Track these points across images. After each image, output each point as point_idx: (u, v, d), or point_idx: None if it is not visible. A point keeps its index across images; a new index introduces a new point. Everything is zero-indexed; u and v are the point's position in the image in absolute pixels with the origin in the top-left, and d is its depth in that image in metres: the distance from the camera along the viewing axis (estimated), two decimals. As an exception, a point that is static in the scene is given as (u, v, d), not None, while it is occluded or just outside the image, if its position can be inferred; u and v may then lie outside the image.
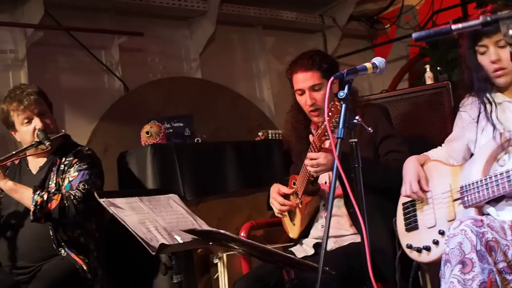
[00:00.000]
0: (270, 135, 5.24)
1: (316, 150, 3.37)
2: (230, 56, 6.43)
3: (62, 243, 3.74)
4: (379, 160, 3.56)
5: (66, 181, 3.80)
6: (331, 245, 3.54)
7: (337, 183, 3.01)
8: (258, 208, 4.72)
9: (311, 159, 3.37)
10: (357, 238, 3.47)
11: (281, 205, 3.72)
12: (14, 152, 3.72)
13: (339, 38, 7.00)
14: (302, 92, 3.66)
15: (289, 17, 6.64)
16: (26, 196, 3.67)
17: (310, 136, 3.59)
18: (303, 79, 3.63)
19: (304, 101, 3.66)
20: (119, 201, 3.48)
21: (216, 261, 4.41)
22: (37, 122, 3.83)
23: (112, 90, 5.47)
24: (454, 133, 3.32)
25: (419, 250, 3.09)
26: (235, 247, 3.06)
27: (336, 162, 2.62)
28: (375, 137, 3.58)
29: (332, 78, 2.75)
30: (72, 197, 3.67)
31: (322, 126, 3.26)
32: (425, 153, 3.36)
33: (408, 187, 3.16)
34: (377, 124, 3.54)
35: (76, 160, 3.86)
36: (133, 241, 3.23)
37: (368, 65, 2.84)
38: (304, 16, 6.79)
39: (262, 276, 3.38)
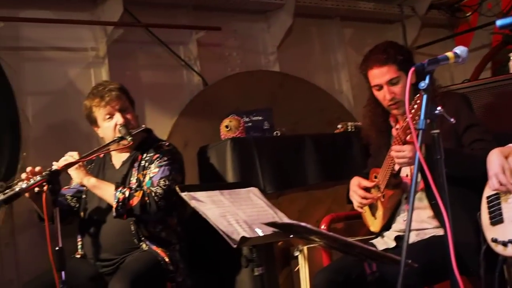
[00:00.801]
0: (349, 127, 5.20)
1: (400, 143, 3.31)
2: (308, 49, 6.39)
3: (143, 238, 3.79)
4: (464, 150, 3.48)
5: (147, 178, 3.85)
6: (413, 238, 3.49)
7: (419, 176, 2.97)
8: (338, 200, 4.69)
9: (397, 151, 3.31)
10: (439, 231, 3.42)
11: (362, 198, 3.69)
12: (96, 148, 3.77)
13: (418, 27, 6.85)
14: (380, 87, 3.60)
15: (367, 7, 6.55)
16: (108, 193, 3.74)
17: (393, 129, 3.55)
18: (379, 74, 3.57)
19: (383, 96, 3.60)
20: (200, 194, 3.51)
21: (296, 253, 4.40)
22: (118, 118, 3.89)
23: (191, 85, 5.52)
24: None
25: (504, 244, 3.01)
26: (316, 239, 3.05)
27: (418, 154, 2.58)
28: (458, 127, 3.48)
29: (413, 69, 2.70)
30: (153, 194, 3.71)
31: (407, 120, 3.20)
32: (509, 144, 3.26)
33: (496, 180, 3.08)
34: (459, 114, 3.46)
35: (156, 155, 3.90)
36: (214, 234, 3.26)
37: (449, 54, 2.77)
38: (382, 6, 6.69)
39: (343, 268, 3.37)
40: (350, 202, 3.83)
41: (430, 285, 3.59)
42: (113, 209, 3.67)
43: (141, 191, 3.72)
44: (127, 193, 3.68)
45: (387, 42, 3.71)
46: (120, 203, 3.66)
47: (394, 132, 3.63)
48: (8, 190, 3.50)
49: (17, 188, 3.48)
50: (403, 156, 3.28)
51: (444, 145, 2.68)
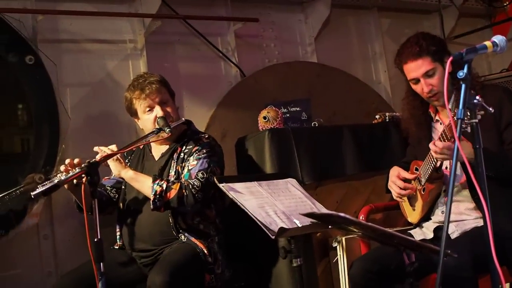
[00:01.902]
0: (387, 117, 5.15)
1: (446, 139, 3.25)
2: (345, 39, 6.36)
3: (181, 230, 3.80)
4: (503, 148, 3.42)
5: (186, 170, 3.85)
6: (452, 228, 3.48)
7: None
8: (377, 191, 4.67)
9: (440, 148, 3.25)
10: (480, 222, 3.38)
11: (402, 189, 3.67)
12: (135, 140, 3.79)
13: (456, 17, 6.76)
14: (417, 80, 3.58)
15: (404, -3, 6.52)
16: (146, 185, 3.75)
17: (440, 125, 3.53)
18: (414, 68, 3.55)
19: (421, 89, 3.58)
20: (238, 185, 3.51)
21: (335, 244, 4.38)
22: (158, 111, 3.90)
23: (229, 77, 5.52)
24: None
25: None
26: (355, 230, 3.03)
27: (457, 143, 2.56)
28: (499, 122, 3.43)
29: (451, 59, 2.67)
30: (190, 187, 3.71)
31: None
32: None
33: None
34: (501, 108, 3.41)
35: (196, 148, 3.90)
36: (252, 225, 3.26)
37: (488, 43, 2.73)
38: (420, -4, 6.65)
39: (380, 258, 3.37)
40: (389, 192, 3.82)
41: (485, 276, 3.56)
42: (151, 202, 3.69)
43: (179, 184, 3.72)
44: (164, 186, 3.69)
45: (418, 33, 3.66)
46: (158, 196, 3.67)
47: (437, 126, 3.61)
48: (47, 182, 3.52)
49: (56, 180, 3.49)
50: (442, 152, 3.24)
51: (484, 141, 2.64)
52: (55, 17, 4.74)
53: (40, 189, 3.52)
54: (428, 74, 3.51)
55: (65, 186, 3.57)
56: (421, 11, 6.83)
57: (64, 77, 4.70)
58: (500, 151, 3.39)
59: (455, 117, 2.60)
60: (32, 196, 3.55)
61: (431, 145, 3.31)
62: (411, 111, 3.78)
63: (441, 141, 3.27)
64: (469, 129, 2.61)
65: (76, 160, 3.60)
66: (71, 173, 3.46)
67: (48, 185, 3.49)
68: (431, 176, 3.51)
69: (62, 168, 3.61)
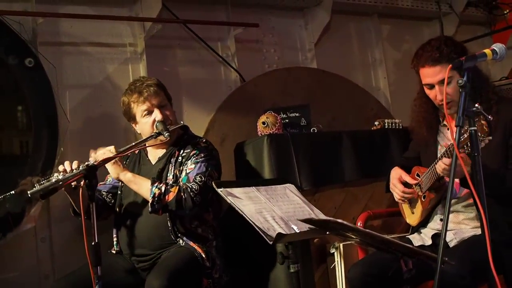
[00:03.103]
0: (386, 124, 5.15)
1: (451, 156, 3.18)
2: (345, 46, 6.36)
3: (179, 234, 3.80)
4: (506, 165, 3.39)
5: (183, 173, 3.85)
6: (451, 236, 3.48)
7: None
8: (375, 198, 4.67)
9: (448, 165, 3.19)
10: (478, 231, 3.38)
11: (403, 193, 3.66)
12: (133, 144, 3.78)
13: (456, 25, 6.76)
14: (431, 86, 3.52)
15: (405, 4, 6.49)
16: (144, 188, 3.75)
17: (447, 130, 3.52)
18: (431, 74, 3.48)
19: (434, 95, 3.53)
20: (236, 190, 3.51)
21: (332, 251, 4.38)
22: (157, 114, 3.90)
23: (229, 81, 5.52)
24: None
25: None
26: (352, 236, 3.04)
27: (455, 151, 2.56)
28: (509, 137, 3.39)
29: (450, 66, 2.69)
30: (189, 190, 3.70)
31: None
32: None
33: None
34: None
35: (193, 152, 3.90)
36: (250, 231, 3.25)
37: (487, 51, 2.74)
38: (420, 3, 6.62)
39: (378, 264, 3.36)
40: (389, 191, 3.81)
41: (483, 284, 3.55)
42: (149, 204, 3.68)
43: (177, 187, 3.71)
44: (163, 189, 3.69)
45: (441, 37, 3.61)
46: (156, 198, 3.66)
47: (444, 131, 3.61)
48: (44, 181, 3.54)
49: (53, 179, 3.53)
50: (448, 170, 3.19)
51: (493, 157, 2.64)
52: (55, 20, 4.74)
53: (37, 187, 3.55)
54: (444, 82, 3.42)
55: (63, 189, 3.57)
56: (422, 18, 6.83)
57: (64, 80, 4.71)
58: (499, 169, 3.36)
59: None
60: (29, 195, 3.57)
61: (439, 163, 3.27)
62: (423, 114, 3.73)
63: (447, 157, 3.22)
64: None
65: (74, 163, 3.61)
66: (68, 175, 3.49)
67: (45, 184, 3.53)
68: (433, 185, 3.49)
69: (60, 168, 3.63)
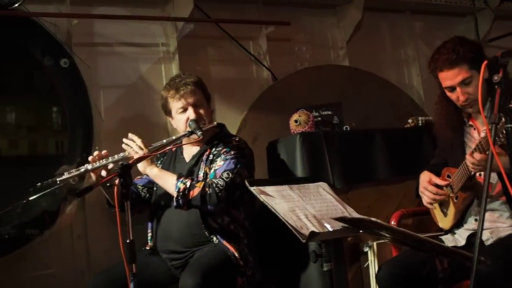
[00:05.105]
0: (420, 122, 5.12)
1: (483, 151, 3.17)
2: (377, 43, 6.34)
3: (214, 231, 3.81)
4: None
5: (212, 170, 3.85)
6: (487, 235, 3.43)
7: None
8: (409, 196, 4.64)
9: (478, 160, 3.18)
10: (515, 230, 3.36)
11: (434, 194, 3.62)
12: (165, 141, 3.81)
13: (491, 20, 6.67)
14: (452, 88, 3.50)
15: (438, 0, 6.44)
16: (169, 182, 3.77)
17: (474, 130, 3.49)
18: (451, 76, 3.46)
19: (456, 97, 3.50)
20: (269, 189, 3.51)
21: (366, 249, 4.37)
22: (190, 113, 3.92)
23: (261, 80, 5.53)
24: None
25: None
26: (386, 235, 3.03)
27: (491, 148, 2.54)
28: None
29: (485, 63, 2.65)
30: (214, 185, 3.70)
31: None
32: None
33: None
34: None
35: (224, 149, 3.91)
36: (283, 229, 3.26)
37: (524, 46, 2.71)
38: (454, -1, 6.59)
39: (407, 264, 3.34)
40: (419, 196, 3.78)
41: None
42: (174, 199, 3.70)
43: (203, 182, 3.72)
44: (188, 184, 3.70)
45: (455, 38, 3.55)
46: (181, 193, 3.68)
47: (471, 131, 3.57)
48: (73, 170, 3.65)
49: (82, 169, 3.68)
50: (480, 164, 3.19)
51: None
52: (89, 21, 4.80)
53: (66, 175, 3.62)
54: (464, 83, 3.42)
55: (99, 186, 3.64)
56: (455, 14, 6.76)
57: (98, 80, 4.76)
58: None
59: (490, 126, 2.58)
60: (58, 182, 3.63)
61: (468, 157, 3.24)
62: (447, 117, 3.69)
63: (478, 152, 3.20)
64: None
65: (104, 152, 3.72)
66: (98, 164, 3.70)
67: (74, 173, 3.61)
68: (465, 184, 3.46)
69: (90, 158, 3.75)
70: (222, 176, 3.77)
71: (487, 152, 3.07)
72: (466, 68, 3.41)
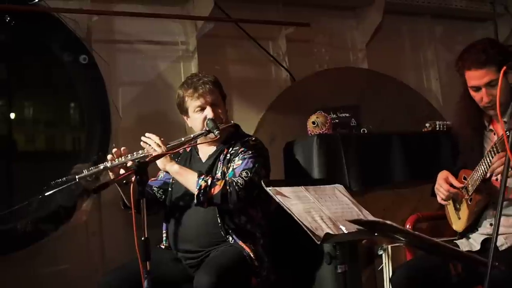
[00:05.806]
0: (438, 126, 5.09)
1: (496, 153, 3.16)
2: (397, 46, 6.33)
3: (230, 231, 3.80)
4: None
5: (230, 169, 3.85)
6: (502, 241, 3.41)
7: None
8: (425, 200, 4.61)
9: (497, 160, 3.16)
10: (531, 235, 3.33)
11: (447, 191, 3.61)
12: (183, 139, 3.80)
13: (511, 26, 6.67)
14: (477, 88, 3.47)
15: (458, 5, 6.43)
16: (191, 180, 3.76)
17: (494, 135, 3.47)
18: (478, 76, 3.43)
19: (480, 97, 3.47)
20: (285, 190, 3.50)
21: (380, 252, 4.35)
22: (208, 112, 3.92)
23: (279, 81, 5.54)
24: None
25: None
26: (401, 238, 3.01)
27: (508, 154, 2.52)
28: None
29: (504, 68, 2.63)
30: (234, 184, 3.70)
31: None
32: None
33: None
34: None
35: (241, 149, 3.90)
36: (298, 230, 3.25)
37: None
38: (474, 4, 6.54)
39: (422, 268, 3.32)
40: (434, 195, 3.76)
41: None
42: (195, 196, 3.69)
43: (223, 181, 3.72)
44: (209, 181, 3.70)
45: (486, 40, 3.55)
46: (202, 191, 3.67)
47: (491, 136, 3.55)
48: (92, 168, 3.65)
49: (101, 166, 3.64)
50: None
51: None
52: (109, 18, 4.82)
53: (85, 172, 3.63)
54: (491, 84, 3.40)
55: (115, 184, 3.64)
56: (475, 19, 6.74)
57: (117, 77, 4.79)
58: None
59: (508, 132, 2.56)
60: (77, 179, 3.65)
61: (496, 157, 3.22)
62: (467, 118, 3.67)
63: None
64: None
65: (123, 149, 3.72)
66: (116, 162, 3.67)
67: (93, 170, 3.63)
68: (479, 187, 3.45)
69: (109, 157, 3.73)
70: (242, 175, 3.77)
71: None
72: (494, 70, 3.38)
